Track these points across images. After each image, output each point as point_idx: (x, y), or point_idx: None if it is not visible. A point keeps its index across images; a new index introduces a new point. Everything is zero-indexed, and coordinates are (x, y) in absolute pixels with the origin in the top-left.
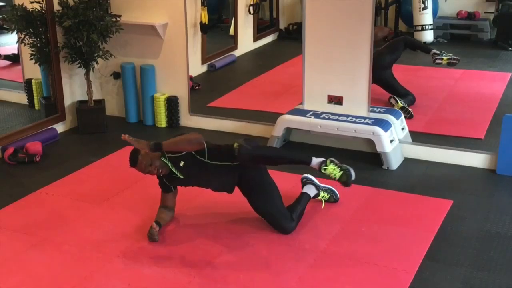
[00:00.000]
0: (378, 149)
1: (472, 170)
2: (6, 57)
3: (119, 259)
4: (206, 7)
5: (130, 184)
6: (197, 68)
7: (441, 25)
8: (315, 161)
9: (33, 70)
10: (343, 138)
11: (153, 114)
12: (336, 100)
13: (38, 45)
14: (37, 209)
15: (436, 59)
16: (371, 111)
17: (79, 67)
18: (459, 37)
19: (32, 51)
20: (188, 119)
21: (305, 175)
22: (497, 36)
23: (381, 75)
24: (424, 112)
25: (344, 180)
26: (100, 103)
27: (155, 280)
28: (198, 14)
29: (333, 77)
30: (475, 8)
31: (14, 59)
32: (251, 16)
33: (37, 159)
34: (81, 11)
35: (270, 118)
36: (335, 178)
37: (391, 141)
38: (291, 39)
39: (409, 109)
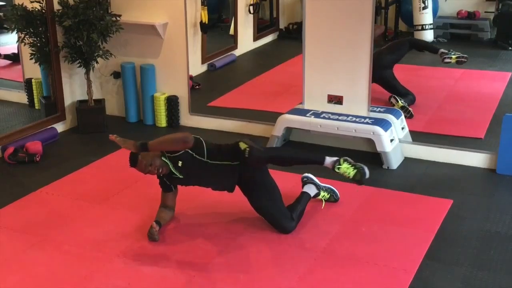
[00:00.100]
0: (378, 149)
1: (472, 169)
2: (6, 57)
3: (119, 258)
4: (206, 7)
5: (130, 184)
6: (197, 67)
7: (441, 25)
8: (328, 160)
9: (33, 70)
10: (343, 137)
11: (153, 114)
12: (336, 99)
13: (38, 44)
14: (37, 208)
15: (445, 58)
16: (371, 111)
17: (79, 66)
18: (459, 36)
19: (32, 50)
20: (188, 119)
21: (306, 174)
22: (497, 35)
23: (381, 75)
24: (424, 111)
25: (358, 179)
26: (100, 102)
27: (155, 279)
28: (198, 13)
29: (333, 77)
30: (475, 8)
31: (14, 58)
32: (251, 15)
33: (37, 159)
34: (81, 10)
35: (270, 117)
36: (349, 176)
37: (391, 140)
38: (291, 39)
39: (409, 108)
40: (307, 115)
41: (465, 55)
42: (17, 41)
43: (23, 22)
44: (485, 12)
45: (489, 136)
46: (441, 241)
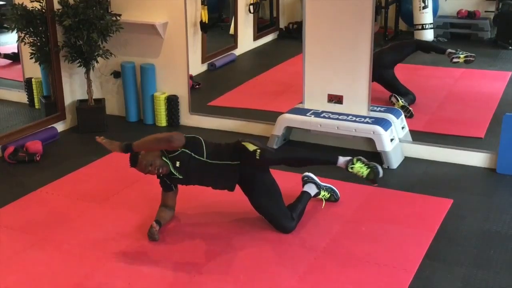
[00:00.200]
0: (378, 148)
1: (472, 169)
2: (6, 56)
3: (119, 258)
4: (206, 6)
5: (130, 183)
6: (197, 67)
7: (441, 24)
8: (342, 160)
9: (33, 69)
10: (343, 137)
11: (153, 113)
12: (336, 99)
13: (38, 44)
14: (37, 208)
15: (453, 58)
16: (371, 110)
17: (79, 66)
18: (459, 36)
19: (32, 50)
20: (188, 118)
21: (306, 173)
22: (497, 35)
23: (382, 74)
24: (424, 111)
25: (372, 178)
26: (100, 102)
27: (155, 279)
28: (198, 13)
29: (333, 76)
30: (475, 7)
31: (14, 58)
32: (251, 15)
33: (37, 158)
34: (81, 10)
35: (270, 117)
36: (362, 176)
37: (391, 140)
38: (291, 38)
39: (410, 108)
40: (307, 114)
41: (473, 54)
42: (17, 41)
43: (23, 21)
44: (485, 11)
45: (489, 136)
46: (441, 241)
